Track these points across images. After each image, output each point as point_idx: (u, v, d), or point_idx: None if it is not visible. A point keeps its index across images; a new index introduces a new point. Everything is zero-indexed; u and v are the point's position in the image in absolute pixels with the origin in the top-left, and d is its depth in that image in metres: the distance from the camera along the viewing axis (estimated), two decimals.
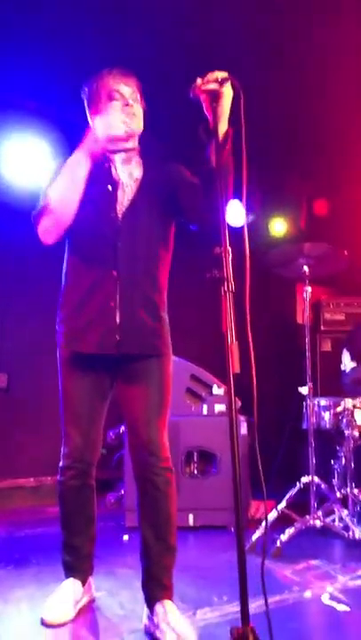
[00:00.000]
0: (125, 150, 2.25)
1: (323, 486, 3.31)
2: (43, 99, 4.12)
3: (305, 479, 3.32)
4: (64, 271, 2.29)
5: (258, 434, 1.72)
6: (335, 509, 3.30)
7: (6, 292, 4.65)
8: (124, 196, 2.21)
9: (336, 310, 4.99)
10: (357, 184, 5.14)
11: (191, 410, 3.82)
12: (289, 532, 3.09)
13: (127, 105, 2.17)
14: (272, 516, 3.25)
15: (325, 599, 2.42)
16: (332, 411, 3.57)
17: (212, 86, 1.87)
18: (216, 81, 1.87)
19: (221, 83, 1.87)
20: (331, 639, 2.18)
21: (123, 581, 2.62)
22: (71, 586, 2.25)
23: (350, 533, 3.13)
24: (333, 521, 3.27)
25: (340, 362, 4.08)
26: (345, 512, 3.25)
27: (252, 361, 1.70)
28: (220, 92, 1.88)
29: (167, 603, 2.08)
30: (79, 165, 2.16)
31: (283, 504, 3.28)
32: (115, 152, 2.25)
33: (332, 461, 3.68)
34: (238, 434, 1.67)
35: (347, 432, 3.41)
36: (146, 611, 2.13)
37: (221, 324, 1.68)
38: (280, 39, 3.84)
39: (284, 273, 3.70)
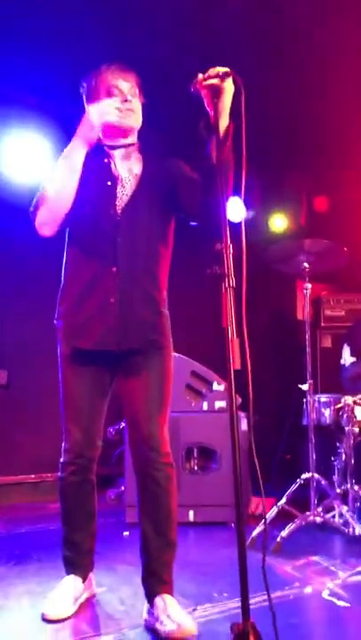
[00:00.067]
0: (125, 146, 2.25)
1: (323, 482, 3.31)
2: (42, 95, 4.11)
3: (305, 475, 3.32)
4: (64, 266, 2.28)
5: (257, 430, 1.72)
6: (335, 505, 3.30)
7: (6, 290, 4.64)
8: (124, 192, 2.20)
9: (336, 306, 5.00)
10: (358, 181, 5.14)
11: (191, 406, 3.82)
12: (289, 528, 3.09)
13: (126, 101, 2.16)
14: (272, 512, 3.26)
15: (325, 595, 2.43)
16: (332, 407, 3.58)
17: (214, 81, 1.86)
18: (217, 76, 1.86)
19: (223, 78, 1.86)
20: (331, 635, 2.18)
21: (123, 577, 2.63)
22: (72, 582, 2.26)
23: (350, 529, 3.14)
24: (334, 517, 3.28)
25: (341, 357, 4.09)
26: (345, 508, 3.25)
27: (248, 356, 1.70)
28: (222, 88, 1.87)
29: (167, 596, 2.09)
30: (75, 152, 2.15)
31: (283, 500, 3.29)
32: (114, 148, 2.24)
33: (333, 458, 3.68)
34: (239, 430, 1.67)
35: (347, 428, 3.41)
36: (146, 606, 2.13)
37: (222, 320, 1.68)
38: (280, 39, 3.83)
39: (284, 269, 3.70)
